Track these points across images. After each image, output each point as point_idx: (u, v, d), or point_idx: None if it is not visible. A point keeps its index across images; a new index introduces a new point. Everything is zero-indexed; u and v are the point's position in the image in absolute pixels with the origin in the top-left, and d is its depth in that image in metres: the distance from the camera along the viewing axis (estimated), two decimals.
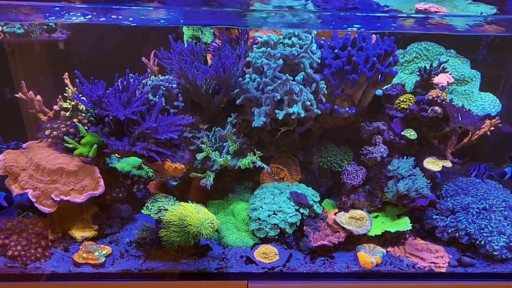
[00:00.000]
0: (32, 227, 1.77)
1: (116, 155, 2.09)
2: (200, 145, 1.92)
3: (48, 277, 1.70)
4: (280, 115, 1.77)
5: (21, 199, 1.93)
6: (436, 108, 1.90)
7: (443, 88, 2.02)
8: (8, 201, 1.68)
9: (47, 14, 1.85)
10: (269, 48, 1.82)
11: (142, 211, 1.81)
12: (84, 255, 1.73)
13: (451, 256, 1.82)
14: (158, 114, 1.77)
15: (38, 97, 1.91)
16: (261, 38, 1.84)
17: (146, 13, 1.90)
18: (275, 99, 1.77)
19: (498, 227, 1.81)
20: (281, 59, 1.79)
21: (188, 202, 1.75)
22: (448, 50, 2.22)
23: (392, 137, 1.98)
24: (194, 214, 1.66)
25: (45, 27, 2.05)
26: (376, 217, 1.95)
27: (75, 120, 1.86)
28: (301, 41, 1.83)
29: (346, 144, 2.11)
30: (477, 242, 1.80)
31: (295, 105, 1.76)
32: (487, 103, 2.10)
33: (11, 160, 1.79)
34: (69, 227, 1.85)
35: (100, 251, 1.75)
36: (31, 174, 1.78)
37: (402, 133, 1.98)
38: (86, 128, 1.84)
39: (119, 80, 1.75)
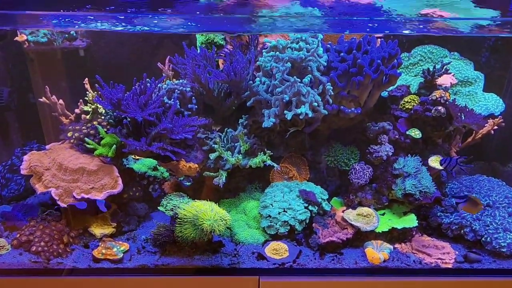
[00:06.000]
0: (55, 224, 1.83)
1: (133, 156, 2.16)
2: (213, 145, 1.96)
3: (69, 272, 1.74)
4: (289, 115, 1.81)
5: (44, 198, 2.02)
6: (440, 108, 1.93)
7: (447, 88, 2.04)
8: (107, 207, 1.81)
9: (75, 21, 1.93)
10: (277, 52, 1.87)
11: (159, 207, 1.86)
12: (103, 251, 1.77)
13: (457, 252, 1.82)
14: (173, 115, 1.84)
15: (61, 101, 1.98)
16: (270, 43, 1.89)
17: (161, 22, 1.98)
18: (284, 100, 1.82)
19: (503, 223, 1.82)
20: (289, 62, 1.84)
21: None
22: (452, 53, 2.24)
23: (397, 136, 2.01)
24: (208, 211, 1.69)
25: (66, 35, 2.14)
26: (383, 214, 1.97)
27: (95, 122, 1.93)
28: (308, 45, 1.88)
29: (353, 144, 2.13)
30: (483, 238, 1.80)
31: (303, 105, 1.80)
32: (491, 103, 2.12)
33: (35, 160, 1.86)
34: (89, 224, 1.90)
35: (118, 247, 1.80)
36: (54, 173, 1.85)
37: (407, 132, 2.00)
38: (106, 130, 1.90)
39: (137, 84, 1.82)
